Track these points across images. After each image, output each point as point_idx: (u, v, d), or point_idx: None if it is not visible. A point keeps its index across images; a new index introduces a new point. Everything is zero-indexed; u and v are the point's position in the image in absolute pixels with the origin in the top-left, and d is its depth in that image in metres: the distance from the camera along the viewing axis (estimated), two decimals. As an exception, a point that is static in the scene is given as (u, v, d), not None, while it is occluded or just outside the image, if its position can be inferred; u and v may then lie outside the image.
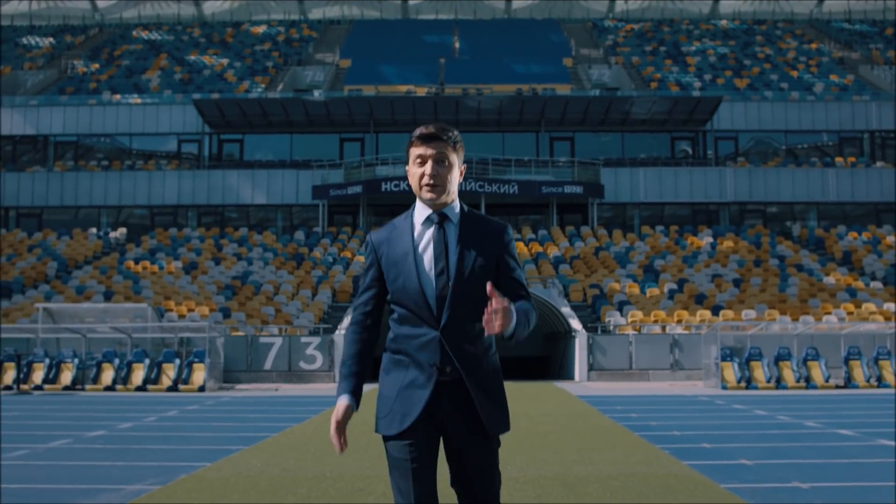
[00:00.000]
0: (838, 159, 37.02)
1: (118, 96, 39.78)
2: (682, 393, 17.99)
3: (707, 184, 35.79)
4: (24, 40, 49.40)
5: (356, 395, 2.95)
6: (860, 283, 27.48)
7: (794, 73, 42.79)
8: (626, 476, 7.24)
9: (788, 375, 19.20)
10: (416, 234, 2.98)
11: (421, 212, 3.00)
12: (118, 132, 38.28)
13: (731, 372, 19.06)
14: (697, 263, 29.75)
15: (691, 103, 36.59)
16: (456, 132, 3.02)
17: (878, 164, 37.00)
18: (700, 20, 52.23)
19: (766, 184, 35.75)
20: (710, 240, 32.48)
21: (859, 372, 19.44)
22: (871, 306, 24.89)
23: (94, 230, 35.37)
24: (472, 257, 2.93)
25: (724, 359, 19.17)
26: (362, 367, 2.99)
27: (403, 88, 39.67)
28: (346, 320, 23.11)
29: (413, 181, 3.01)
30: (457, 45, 47.43)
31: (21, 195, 36.80)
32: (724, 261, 30.10)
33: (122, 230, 35.41)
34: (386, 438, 2.94)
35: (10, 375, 19.49)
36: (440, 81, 41.40)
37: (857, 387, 19.15)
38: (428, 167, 2.95)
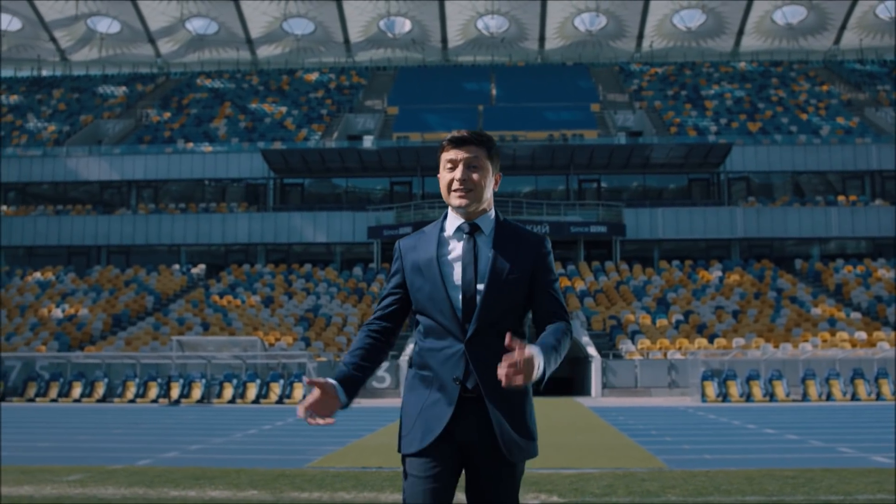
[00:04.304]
0: (840, 197, 43.32)
1: (191, 144, 47.37)
2: (668, 405, 24.63)
3: (719, 221, 42.28)
4: (100, 89, 57.45)
5: (344, 383, 2.86)
6: (842, 314, 33.84)
7: (804, 116, 49.15)
8: (591, 444, 13.99)
9: (757, 391, 25.77)
10: (444, 242, 2.98)
11: (452, 221, 3.01)
12: (193, 177, 45.89)
13: (711, 389, 25.67)
14: (704, 296, 36.24)
15: (706, 149, 43.25)
16: (491, 138, 3.03)
17: (878, 201, 43.24)
18: (721, 62, 58.69)
19: (773, 221, 42.17)
20: (719, 274, 38.94)
21: (813, 389, 25.96)
22: (844, 334, 31.28)
23: (176, 266, 42.74)
24: (504, 269, 2.91)
25: (705, 378, 25.79)
26: (362, 363, 2.92)
27: (447, 135, 46.60)
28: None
29: (443, 187, 3.00)
30: (494, 91, 54.44)
31: (111, 235, 44.44)
32: (729, 293, 36.55)
33: (202, 266, 42.76)
34: (405, 457, 2.93)
35: (153, 391, 26.76)
36: (479, 128, 48.31)
37: (810, 401, 25.67)
38: (458, 171, 2.95)
